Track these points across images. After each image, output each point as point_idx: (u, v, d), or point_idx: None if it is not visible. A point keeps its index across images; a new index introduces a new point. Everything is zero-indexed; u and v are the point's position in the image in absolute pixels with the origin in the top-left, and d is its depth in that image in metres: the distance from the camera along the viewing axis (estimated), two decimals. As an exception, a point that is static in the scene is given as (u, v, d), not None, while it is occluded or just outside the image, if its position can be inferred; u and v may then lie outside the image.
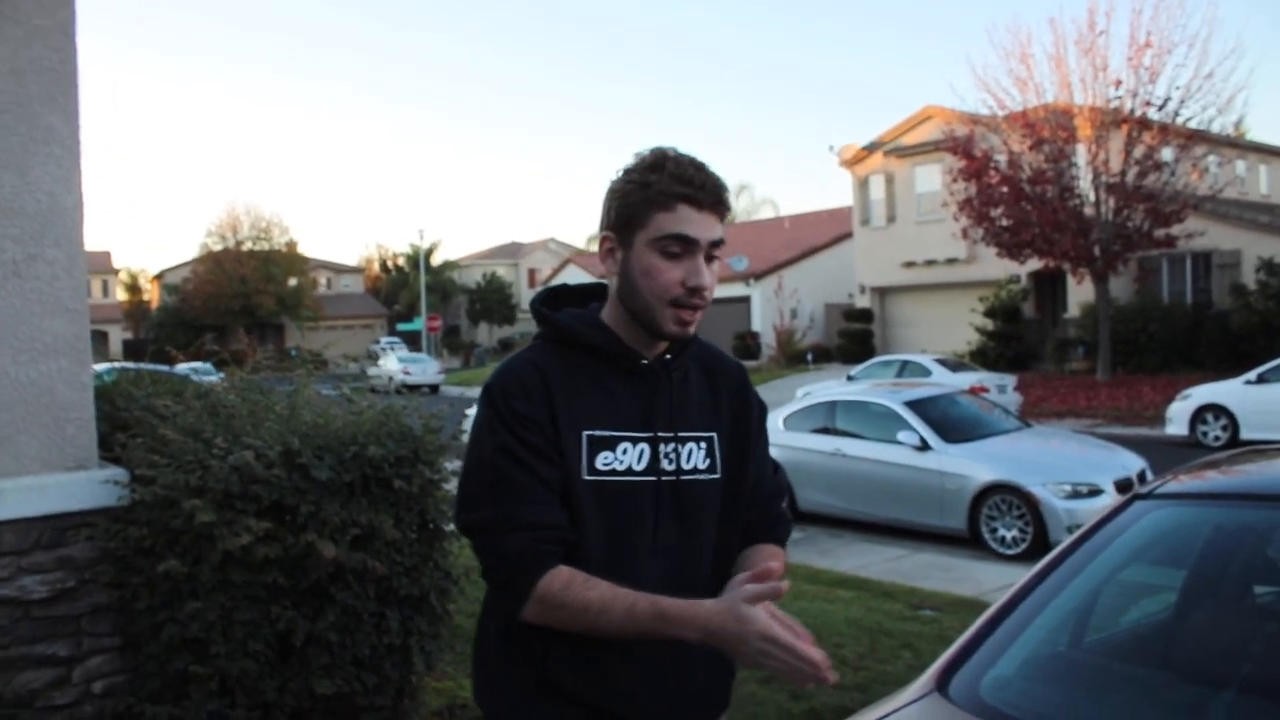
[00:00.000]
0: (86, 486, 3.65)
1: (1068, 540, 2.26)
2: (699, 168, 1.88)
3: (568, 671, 1.87)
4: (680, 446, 1.95)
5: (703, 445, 1.98)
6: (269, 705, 3.47)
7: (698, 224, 1.85)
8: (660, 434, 1.92)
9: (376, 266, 77.82)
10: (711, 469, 1.98)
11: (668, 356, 1.97)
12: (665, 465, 1.92)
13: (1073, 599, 2.11)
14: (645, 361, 1.94)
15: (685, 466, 1.94)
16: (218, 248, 62.33)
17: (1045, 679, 1.96)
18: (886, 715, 1.91)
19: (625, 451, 1.89)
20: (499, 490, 1.82)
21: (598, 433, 1.88)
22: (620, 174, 1.93)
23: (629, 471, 1.89)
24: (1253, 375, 17.08)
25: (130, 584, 3.55)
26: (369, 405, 3.94)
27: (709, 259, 1.89)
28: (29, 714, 3.52)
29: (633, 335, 1.93)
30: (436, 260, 67.95)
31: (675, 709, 1.95)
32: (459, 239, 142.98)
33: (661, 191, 1.84)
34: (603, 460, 1.87)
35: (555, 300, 2.06)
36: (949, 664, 1.99)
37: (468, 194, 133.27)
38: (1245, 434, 16.33)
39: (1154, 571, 2.30)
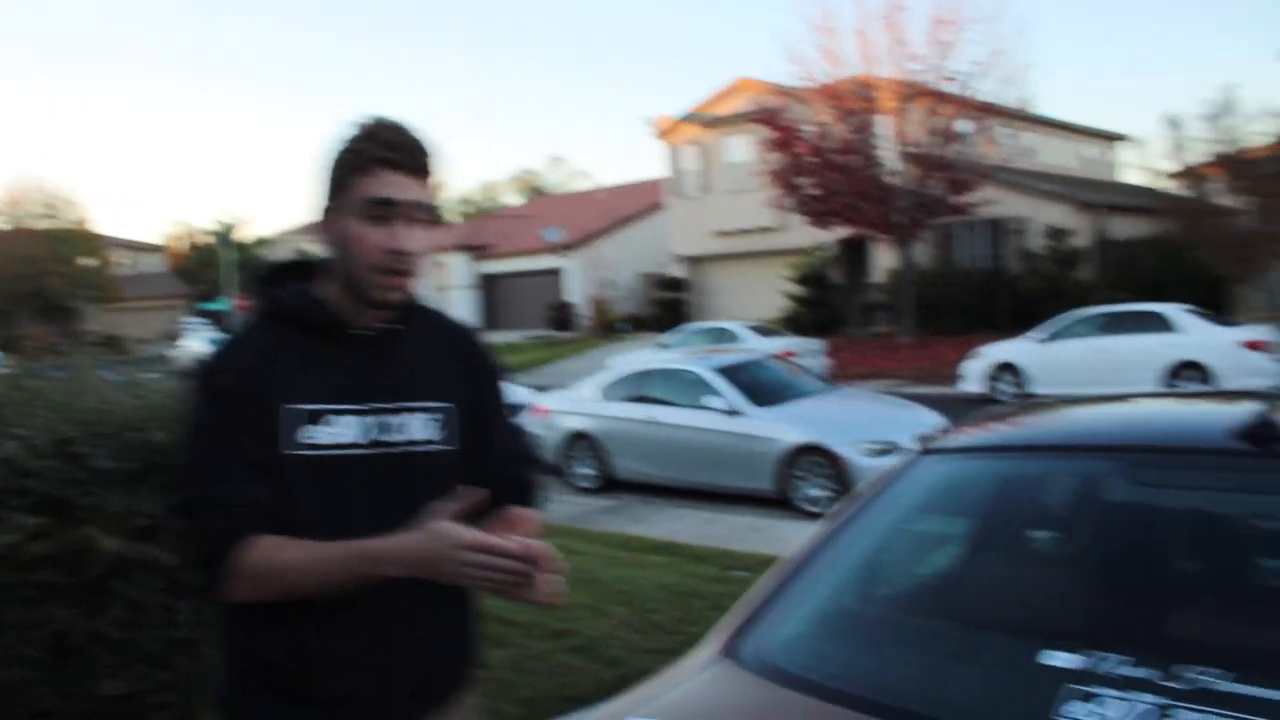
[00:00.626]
0: None
1: (854, 497, 2.31)
2: (402, 132, 1.85)
3: (275, 654, 1.84)
4: (404, 418, 1.90)
5: (436, 417, 1.94)
6: (48, 713, 3.26)
7: (398, 187, 1.82)
8: (380, 405, 1.88)
9: (180, 244, 74.34)
10: (446, 440, 1.93)
11: (391, 326, 1.93)
12: (385, 437, 1.88)
13: (860, 555, 2.15)
14: (363, 332, 1.90)
15: (413, 438, 1.90)
16: (2, 227, 58.40)
17: (834, 636, 1.99)
18: (680, 684, 1.89)
19: (342, 424, 1.85)
20: (199, 470, 1.79)
21: (311, 406, 1.83)
22: (335, 145, 1.88)
23: (345, 445, 1.84)
24: (1040, 334, 18.14)
25: (-115, 589, 3.28)
26: (150, 388, 3.74)
27: (418, 222, 1.85)
28: None
29: (351, 306, 1.89)
30: (246, 237, 65.36)
31: (396, 691, 1.90)
32: (271, 215, 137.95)
33: (364, 157, 1.81)
34: (317, 434, 1.83)
35: (283, 275, 2.00)
36: (738, 628, 1.99)
37: (279, 169, 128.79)
38: (1034, 389, 17.29)
39: (944, 523, 2.37)
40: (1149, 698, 1.53)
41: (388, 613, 1.86)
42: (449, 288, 46.20)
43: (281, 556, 1.73)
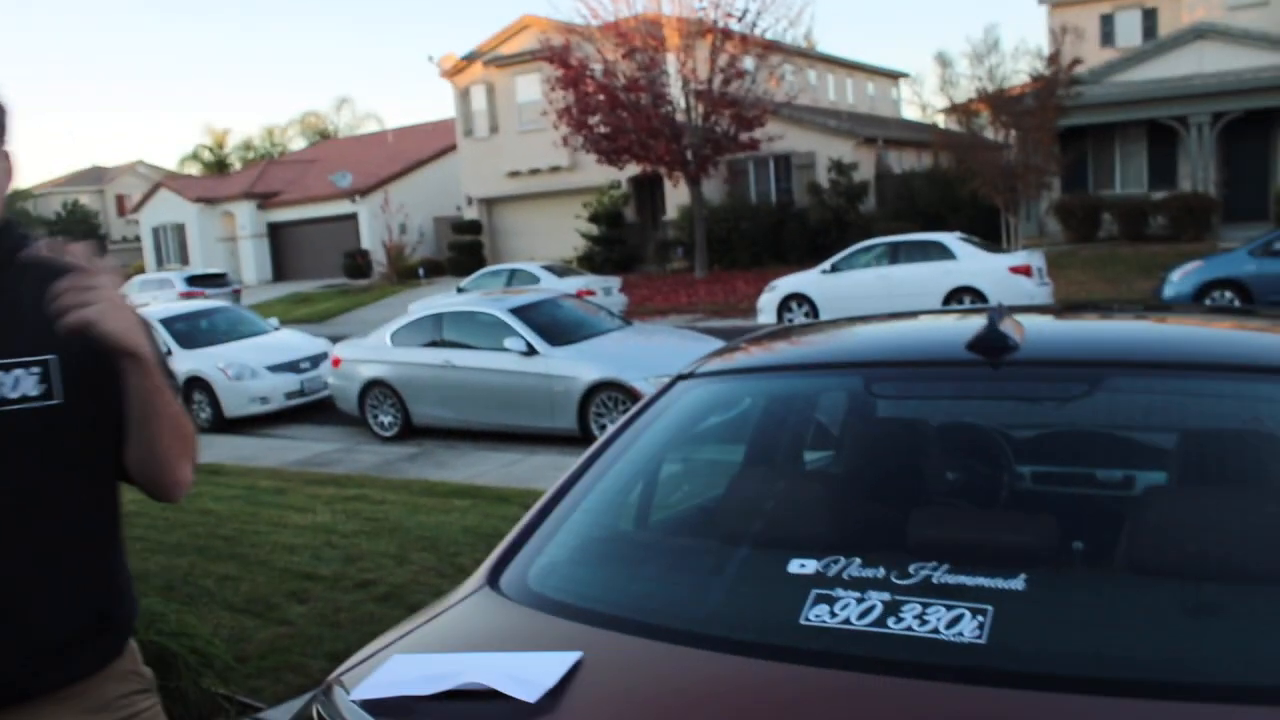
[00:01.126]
0: None
1: (613, 426, 2.37)
2: None
3: None
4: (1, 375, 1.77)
5: (36, 366, 1.79)
6: None
7: None
8: None
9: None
10: (46, 395, 1.78)
11: None
12: None
13: (617, 481, 2.21)
14: None
15: (7, 397, 1.76)
16: None
17: (590, 561, 2.04)
18: (438, 615, 1.92)
19: None
20: None
21: None
22: None
23: None
24: (827, 265, 18.80)
25: None
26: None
27: None
28: None
29: None
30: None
31: (27, 652, 1.79)
32: (30, 166, 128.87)
33: None
34: None
35: None
36: (500, 558, 2.03)
37: (36, 113, 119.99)
38: (824, 317, 17.96)
39: (700, 445, 2.46)
40: (883, 595, 1.65)
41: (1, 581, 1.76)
42: (236, 238, 44.39)
43: None
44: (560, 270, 23.23)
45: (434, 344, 12.08)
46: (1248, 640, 1.55)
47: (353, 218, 40.34)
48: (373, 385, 12.31)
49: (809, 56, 34.90)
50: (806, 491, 2.19)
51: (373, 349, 12.67)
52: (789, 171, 29.99)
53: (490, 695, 1.55)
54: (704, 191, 27.51)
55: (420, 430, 12.00)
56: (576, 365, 10.79)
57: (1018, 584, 1.63)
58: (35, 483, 1.76)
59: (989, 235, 22.72)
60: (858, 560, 1.73)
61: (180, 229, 45.38)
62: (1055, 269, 18.85)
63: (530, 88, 33.18)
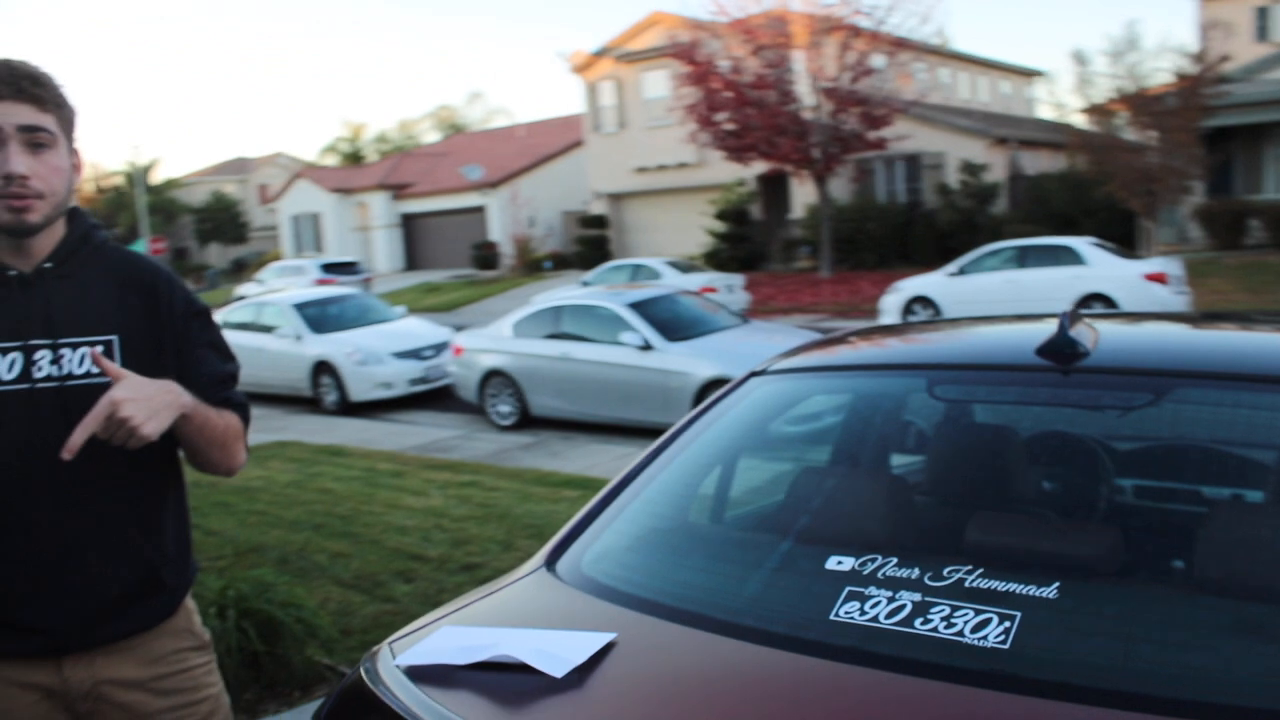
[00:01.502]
0: None
1: (683, 419, 2.42)
2: (3, 63, 1.90)
3: None
4: (63, 351, 1.96)
5: (100, 346, 1.98)
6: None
7: (1, 114, 1.85)
8: (34, 342, 1.94)
9: (90, 188, 72.33)
10: (96, 372, 1.95)
11: (47, 265, 1.98)
12: (41, 373, 1.94)
13: (680, 473, 2.26)
14: (16, 272, 1.95)
15: (65, 372, 1.95)
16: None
17: (644, 550, 2.09)
18: (494, 592, 2.01)
19: None
20: None
21: None
22: None
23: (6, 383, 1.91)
24: (953, 268, 18.45)
25: None
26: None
27: (35, 147, 1.89)
28: None
29: (4, 246, 1.95)
30: (157, 179, 63.75)
31: (84, 616, 1.98)
32: (181, 156, 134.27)
33: None
34: None
35: None
36: (559, 543, 2.12)
37: (187, 108, 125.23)
38: (947, 322, 17.65)
39: (762, 439, 2.49)
40: (914, 595, 1.67)
41: (61, 524, 1.94)
42: (369, 228, 45.58)
43: None
44: (684, 266, 23.27)
45: (553, 336, 12.25)
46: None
47: (482, 210, 41.08)
48: (492, 375, 12.55)
49: (941, 54, 34.26)
50: (857, 490, 2.21)
51: (494, 339, 12.92)
52: (918, 171, 29.50)
53: (521, 668, 1.62)
54: (831, 190, 27.24)
55: (537, 420, 12.18)
56: (692, 361, 10.83)
57: (1050, 592, 1.62)
58: (96, 456, 1.89)
59: (1124, 240, 21.99)
60: (894, 560, 1.75)
61: (317, 218, 46.82)
62: (1195, 277, 18.13)
63: (658, 84, 33.31)
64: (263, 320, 15.32)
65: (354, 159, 65.72)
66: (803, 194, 29.64)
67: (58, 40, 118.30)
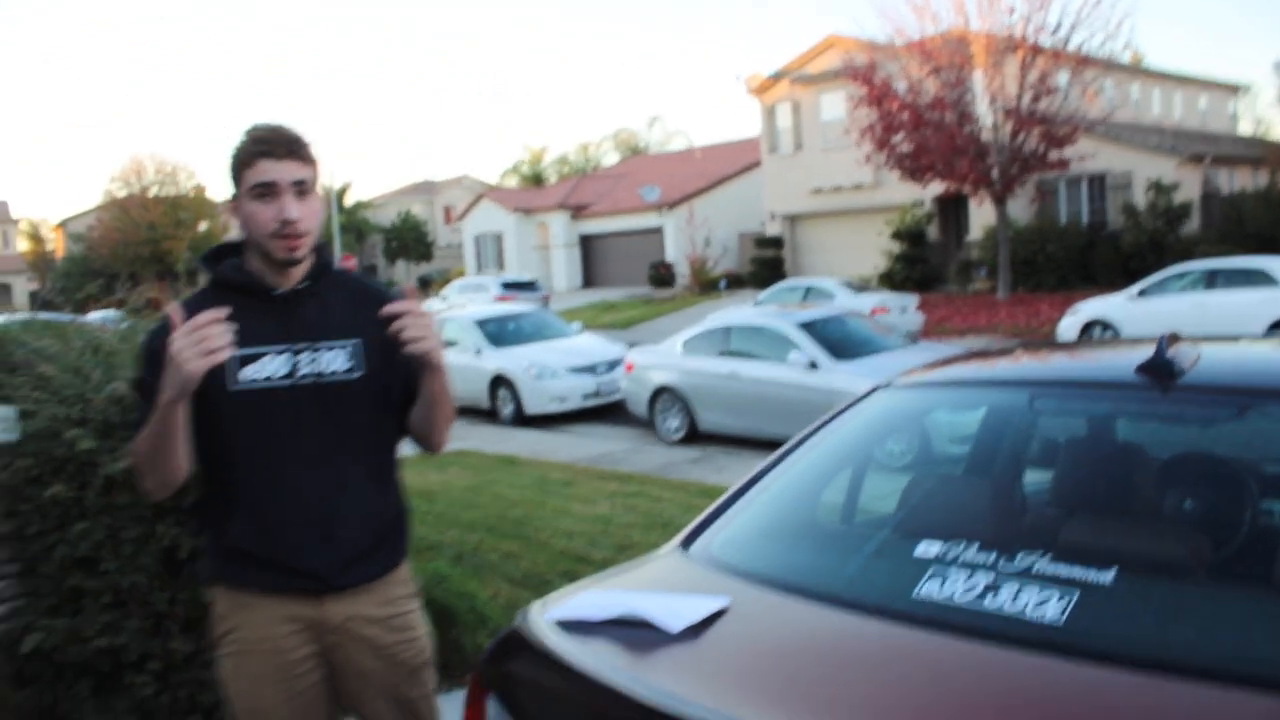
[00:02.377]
0: (-25, 424, 3.90)
1: (811, 425, 2.69)
2: (273, 129, 2.41)
3: (244, 534, 2.44)
4: (320, 353, 2.46)
5: (346, 348, 2.48)
6: (161, 615, 3.79)
7: (276, 171, 2.36)
8: (298, 346, 2.44)
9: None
10: (355, 367, 2.48)
11: (302, 285, 2.49)
12: (303, 370, 2.44)
13: (804, 471, 2.55)
14: (279, 291, 2.46)
15: (326, 370, 2.45)
16: (122, 194, 60.69)
17: (766, 535, 2.38)
18: (636, 568, 2.35)
19: (267, 362, 2.41)
20: (140, 422, 2.35)
21: (245, 351, 2.36)
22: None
23: (270, 379, 2.41)
24: (1134, 290, 17.94)
25: (22, 511, 3.83)
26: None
27: (302, 194, 2.40)
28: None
29: (269, 270, 2.46)
30: (349, 200, 67.05)
31: (344, 562, 2.47)
32: (371, 178, 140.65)
33: (247, 153, 2.38)
34: (248, 372, 2.39)
35: (222, 252, 2.57)
36: (694, 528, 2.44)
37: (378, 133, 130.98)
38: (1126, 346, 17.14)
39: (880, 443, 2.74)
40: (988, 576, 1.90)
41: (328, 502, 2.44)
42: (549, 247, 46.84)
43: (134, 446, 2.34)
44: (857, 287, 23.26)
45: (722, 354, 12.55)
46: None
47: (659, 230, 41.74)
48: (662, 390, 12.93)
49: (1131, 70, 33.16)
50: (956, 488, 2.43)
51: (664, 356, 13.31)
52: (1102, 191, 28.64)
53: (644, 625, 1.95)
54: (1010, 211, 26.73)
55: (705, 436, 12.50)
56: (857, 380, 10.91)
57: (1106, 578, 1.83)
58: (345, 434, 2.45)
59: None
60: (975, 546, 1.98)
61: (499, 237, 48.41)
62: None
63: (835, 105, 33.32)
64: (445, 335, 16.10)
65: (535, 181, 67.66)
66: (981, 215, 29.16)
67: (290, 83, 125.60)
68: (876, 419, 2.69)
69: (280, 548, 2.42)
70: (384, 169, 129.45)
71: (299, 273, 2.47)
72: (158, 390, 2.24)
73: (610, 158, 70.11)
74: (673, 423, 12.82)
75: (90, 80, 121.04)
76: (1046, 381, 2.52)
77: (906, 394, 2.70)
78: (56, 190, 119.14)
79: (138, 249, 57.94)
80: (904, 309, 21.44)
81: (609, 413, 14.86)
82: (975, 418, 2.77)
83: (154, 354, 2.34)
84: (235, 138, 2.42)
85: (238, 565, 2.45)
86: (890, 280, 30.40)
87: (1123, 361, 2.28)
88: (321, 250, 2.54)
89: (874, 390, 2.74)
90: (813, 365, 11.32)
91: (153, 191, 60.41)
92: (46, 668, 3.83)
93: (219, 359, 2.16)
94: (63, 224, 69.57)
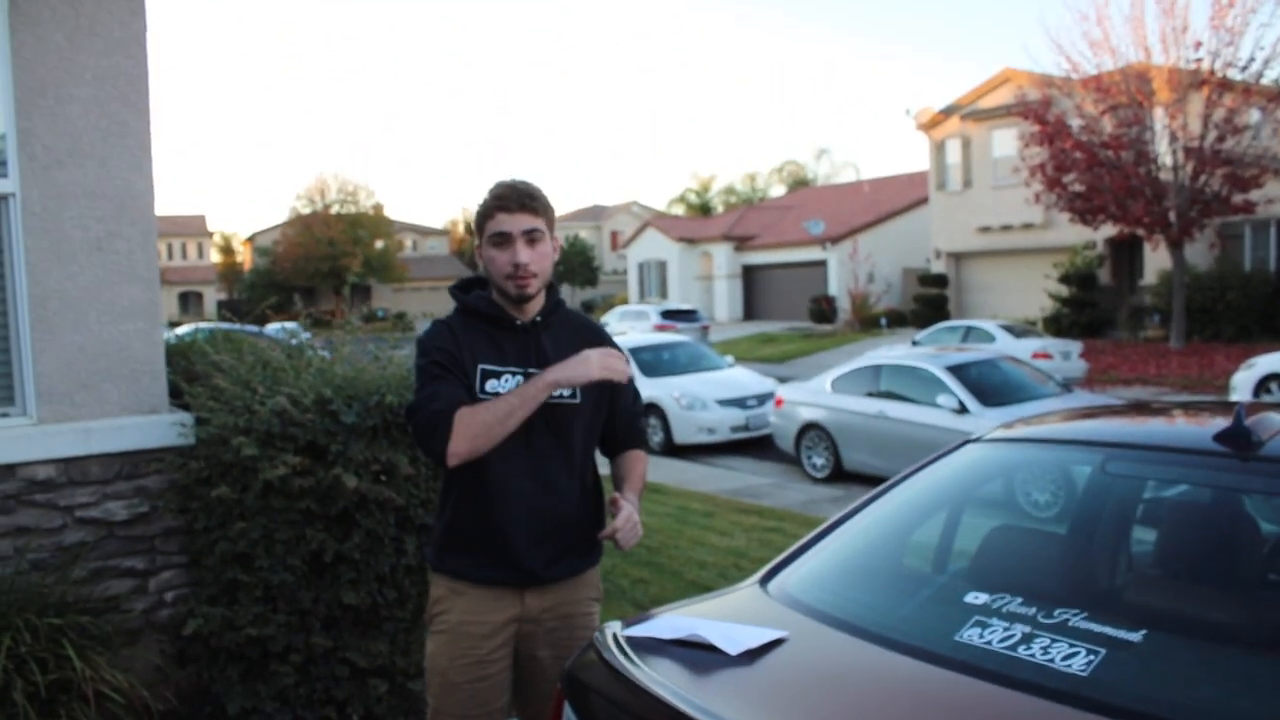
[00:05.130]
0: (158, 427, 4.34)
1: (901, 473, 2.82)
2: (509, 184, 2.80)
3: (471, 530, 2.79)
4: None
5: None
6: (305, 612, 4.14)
7: (509, 222, 2.76)
8: (530, 370, 2.80)
9: (461, 229, 79.06)
10: (573, 396, 2.85)
11: (537, 319, 2.87)
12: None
13: (884, 517, 2.68)
14: (520, 322, 2.84)
15: (554, 393, 2.78)
16: (306, 211, 63.78)
17: (839, 576, 2.53)
18: (715, 598, 2.54)
19: (506, 380, 2.78)
20: (428, 386, 2.72)
21: (488, 366, 2.78)
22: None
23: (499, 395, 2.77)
24: (1317, 344, 17.04)
25: (191, 509, 4.25)
26: (394, 361, 4.58)
27: (531, 242, 2.79)
28: (115, 615, 4.23)
29: (508, 304, 2.85)
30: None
31: (550, 559, 2.82)
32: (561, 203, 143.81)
33: (486, 206, 2.81)
34: (491, 385, 2.77)
35: (468, 284, 2.99)
36: (774, 566, 2.61)
37: (551, 157, 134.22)
38: (1305, 403, 16.33)
39: (961, 496, 2.85)
40: (1025, 628, 2.01)
41: (543, 505, 2.77)
42: (713, 277, 47.13)
43: (482, 406, 2.66)
44: (1019, 330, 22.71)
45: (871, 394, 12.51)
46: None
47: (822, 264, 41.58)
48: (809, 427, 12.99)
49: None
50: (1025, 541, 2.52)
51: (813, 393, 13.35)
52: (1292, 238, 27.24)
53: (707, 647, 2.15)
54: (1188, 256, 25.69)
55: (849, 475, 12.49)
56: (1005, 427, 10.79)
57: (1135, 636, 1.92)
58: (561, 449, 2.83)
59: None
60: (1019, 599, 2.09)
61: (663, 265, 48.99)
62: None
63: (1006, 142, 32.65)
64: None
65: (701, 210, 68.21)
66: (1155, 259, 28.10)
67: (447, 98, 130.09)
68: (962, 472, 2.81)
69: (500, 542, 2.76)
70: (556, 193, 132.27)
71: (533, 308, 2.86)
72: (447, 366, 2.71)
73: (776, 189, 70.14)
74: (818, 460, 12.85)
75: (285, 100, 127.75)
76: (1120, 444, 2.60)
77: (993, 448, 2.80)
78: (249, 206, 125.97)
79: (318, 264, 60.75)
80: (1066, 355, 20.86)
81: (757, 446, 14.97)
82: (1057, 480, 2.86)
83: (435, 348, 2.76)
84: (481, 193, 2.84)
85: (459, 555, 2.81)
86: (1057, 324, 29.58)
87: (1205, 428, 2.35)
88: (552, 290, 2.94)
89: (965, 443, 2.85)
90: (961, 409, 11.21)
91: (334, 209, 63.24)
92: (204, 651, 4.23)
93: (617, 379, 2.69)
94: (251, 238, 73.53)
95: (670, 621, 2.32)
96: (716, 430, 14.74)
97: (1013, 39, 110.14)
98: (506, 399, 2.66)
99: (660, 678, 2.00)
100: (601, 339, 3.00)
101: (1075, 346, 21.97)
